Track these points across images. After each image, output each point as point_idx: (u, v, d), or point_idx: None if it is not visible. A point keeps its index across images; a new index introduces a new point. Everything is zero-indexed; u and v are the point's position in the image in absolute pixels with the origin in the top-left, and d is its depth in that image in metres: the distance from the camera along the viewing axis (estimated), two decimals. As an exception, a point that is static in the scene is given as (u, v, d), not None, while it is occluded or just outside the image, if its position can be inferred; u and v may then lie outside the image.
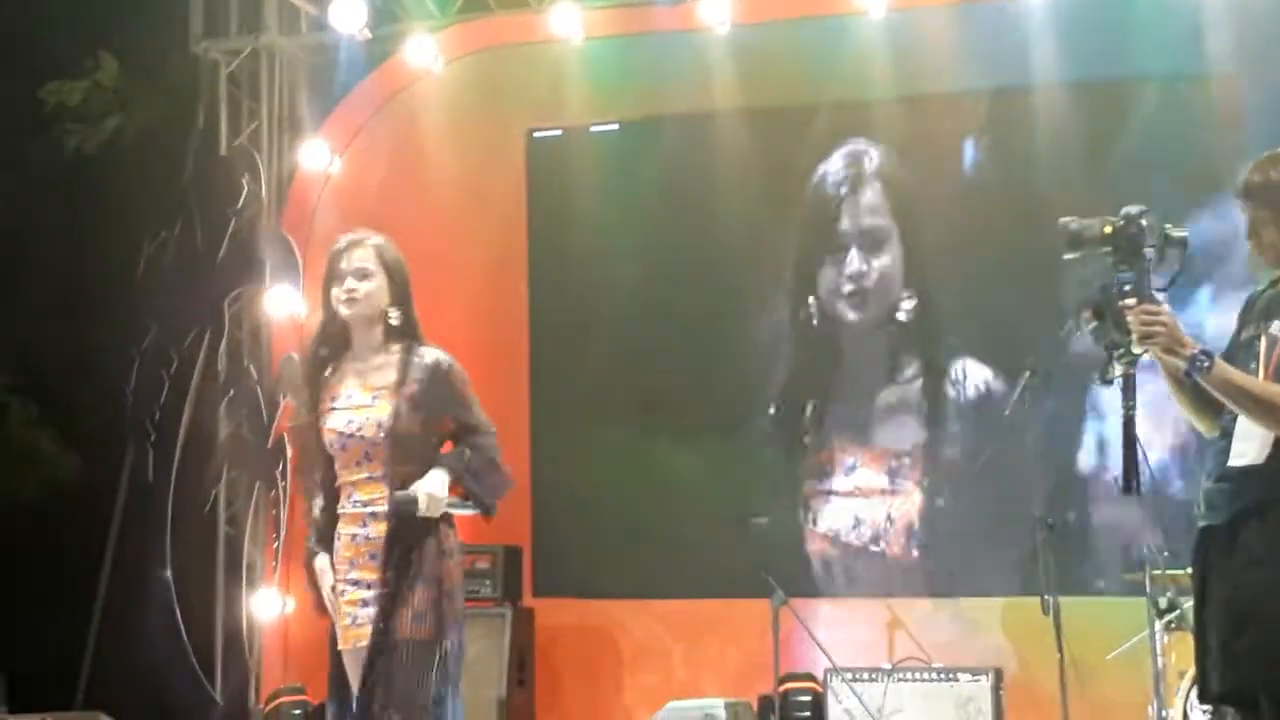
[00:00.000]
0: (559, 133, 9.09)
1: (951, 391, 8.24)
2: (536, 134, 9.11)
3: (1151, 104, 8.02)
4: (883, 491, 8.34)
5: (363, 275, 4.52)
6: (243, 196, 9.19)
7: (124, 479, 8.99)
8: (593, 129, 9.05)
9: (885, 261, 8.44)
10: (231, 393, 9.00)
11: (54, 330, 9.40)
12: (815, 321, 8.52)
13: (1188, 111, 8.00)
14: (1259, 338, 3.89)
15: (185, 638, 8.57)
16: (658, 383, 8.67)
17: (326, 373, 4.59)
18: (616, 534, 8.58)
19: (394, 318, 4.55)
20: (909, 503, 8.29)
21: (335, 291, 4.53)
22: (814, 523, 8.45)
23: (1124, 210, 3.84)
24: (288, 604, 8.56)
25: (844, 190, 8.54)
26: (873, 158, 8.54)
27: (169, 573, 8.59)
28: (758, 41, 8.70)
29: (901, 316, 8.32)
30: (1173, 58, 7.97)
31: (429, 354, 4.53)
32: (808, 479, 8.50)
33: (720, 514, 8.19)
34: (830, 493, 8.46)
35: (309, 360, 4.63)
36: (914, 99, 8.50)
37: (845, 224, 8.52)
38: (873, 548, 8.30)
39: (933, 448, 8.32)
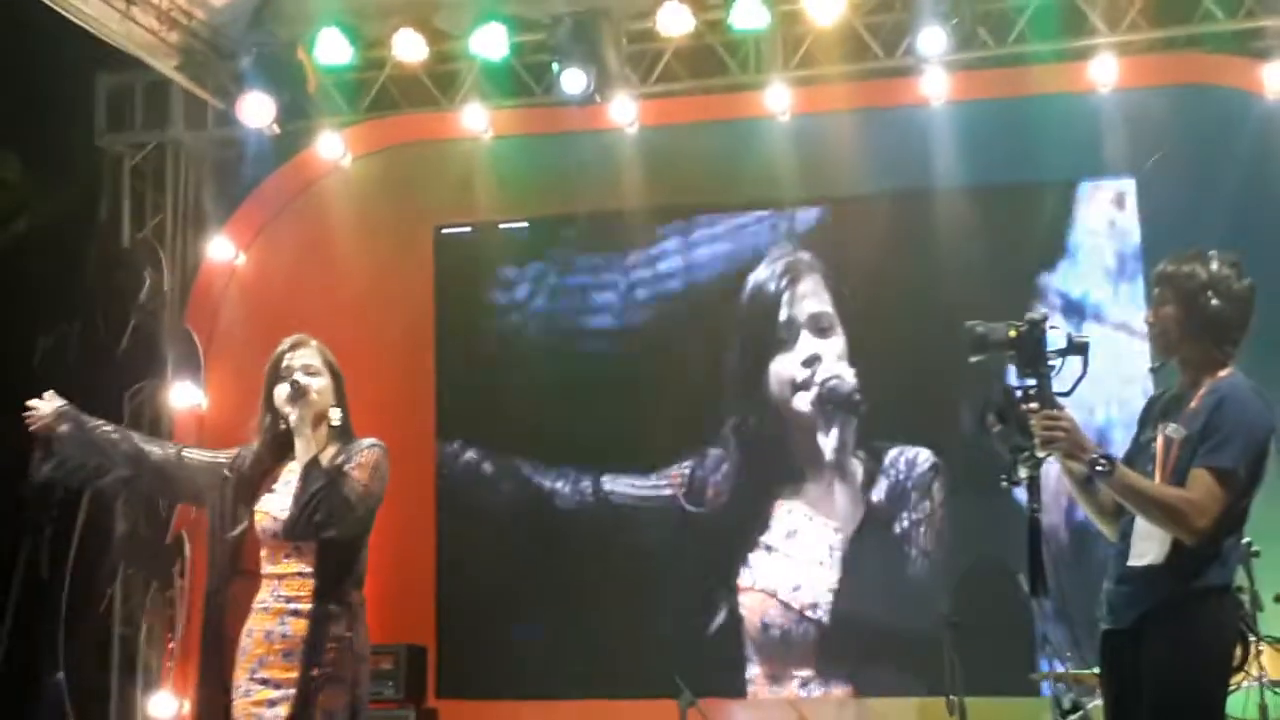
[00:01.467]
0: (468, 229, 9.10)
1: (897, 472, 8.28)
2: (444, 230, 9.12)
3: (1050, 207, 8.23)
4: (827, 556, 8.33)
5: (311, 372, 4.51)
6: (145, 290, 9.09)
7: (17, 576, 8.76)
8: (501, 226, 9.08)
9: (834, 344, 8.49)
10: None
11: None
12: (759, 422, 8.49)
13: (1085, 214, 8.21)
14: (1155, 439, 3.99)
15: (77, 742, 8.34)
16: (567, 477, 8.63)
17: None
18: (522, 633, 8.49)
19: (335, 418, 4.53)
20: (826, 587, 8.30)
21: (279, 389, 4.49)
22: (752, 583, 8.39)
23: (1028, 315, 3.92)
24: (184, 705, 8.36)
25: (783, 285, 8.60)
26: (803, 257, 8.62)
27: (61, 674, 8.36)
28: (666, 142, 8.80)
29: (854, 397, 8.31)
30: (1071, 162, 8.19)
31: (363, 443, 4.52)
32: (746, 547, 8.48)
33: (626, 614, 8.15)
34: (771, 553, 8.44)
35: (251, 464, 4.56)
36: (822, 201, 8.63)
37: (787, 314, 8.55)
38: (808, 614, 8.26)
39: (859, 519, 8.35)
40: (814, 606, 8.27)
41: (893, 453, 8.23)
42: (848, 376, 8.34)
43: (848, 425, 8.31)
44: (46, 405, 4.62)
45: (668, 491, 8.50)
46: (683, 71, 8.69)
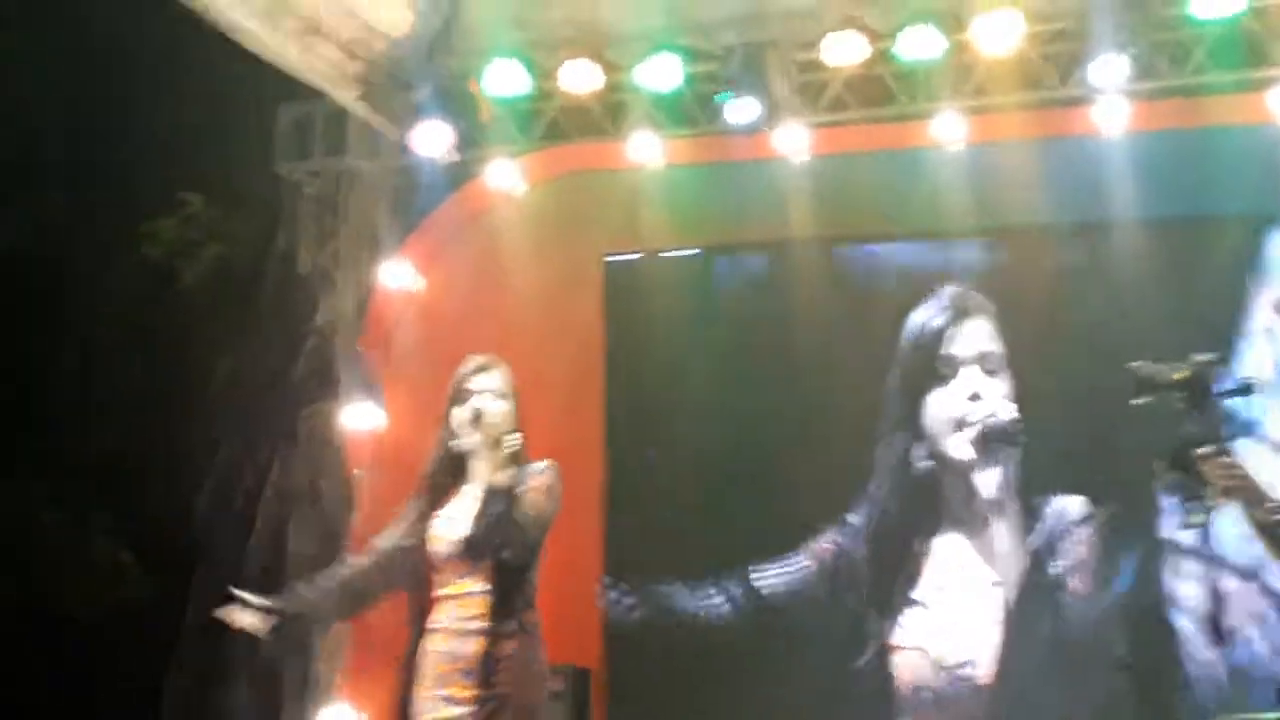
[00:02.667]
0: (636, 257, 9.18)
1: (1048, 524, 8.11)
2: (612, 258, 9.20)
3: (1232, 244, 8.06)
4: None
5: (498, 395, 4.60)
6: (320, 314, 9.30)
7: (196, 594, 9.00)
8: (669, 254, 9.14)
9: (1001, 386, 8.32)
10: (302, 510, 9.03)
11: (134, 445, 9.51)
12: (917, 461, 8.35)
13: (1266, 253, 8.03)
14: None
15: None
16: (735, 514, 8.60)
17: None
18: (692, 665, 8.48)
19: (512, 443, 4.62)
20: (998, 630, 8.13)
21: (458, 411, 4.58)
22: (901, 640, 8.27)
23: (1193, 357, 3.83)
24: (361, 718, 8.51)
25: (947, 321, 8.47)
26: (973, 295, 8.49)
27: (241, 688, 8.55)
28: (834, 172, 8.78)
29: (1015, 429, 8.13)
30: (1254, 197, 8.00)
31: (537, 466, 4.59)
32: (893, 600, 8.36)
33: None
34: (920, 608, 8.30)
35: (423, 485, 4.66)
36: (992, 232, 8.55)
37: (952, 350, 8.37)
38: (960, 674, 8.11)
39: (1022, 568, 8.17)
40: (970, 664, 8.08)
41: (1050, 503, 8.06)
42: (1007, 412, 8.15)
43: (1009, 462, 8.11)
44: (249, 614, 4.62)
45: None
46: (852, 101, 8.68)
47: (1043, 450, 8.18)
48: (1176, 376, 3.83)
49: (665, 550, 8.70)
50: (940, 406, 8.27)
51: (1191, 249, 8.14)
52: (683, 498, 8.74)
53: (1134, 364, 3.94)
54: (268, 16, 8.05)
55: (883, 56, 8.48)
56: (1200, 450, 3.73)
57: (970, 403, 8.22)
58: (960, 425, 8.20)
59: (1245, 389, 3.80)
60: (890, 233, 8.71)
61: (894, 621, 8.18)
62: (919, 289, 8.51)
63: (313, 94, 8.98)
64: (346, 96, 8.91)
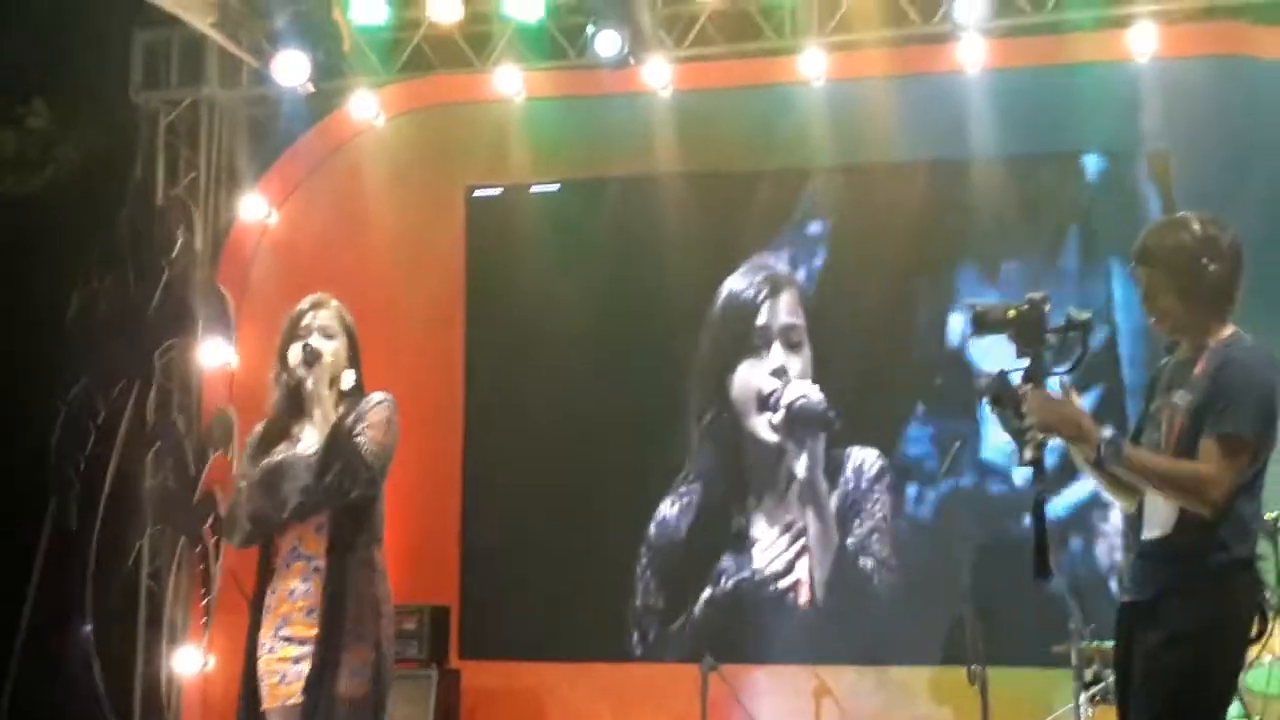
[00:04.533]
0: (499, 191, 9.09)
1: (845, 480, 8.28)
2: (477, 192, 9.11)
3: (1083, 178, 8.16)
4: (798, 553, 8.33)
5: (327, 334, 4.52)
6: (177, 248, 9.11)
7: (46, 529, 8.83)
8: (533, 188, 9.07)
9: (802, 360, 8.44)
10: (158, 444, 8.89)
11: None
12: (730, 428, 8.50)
13: (1120, 187, 8.14)
14: (1162, 409, 3.92)
15: (102, 693, 8.40)
16: (592, 443, 8.63)
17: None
18: (545, 595, 8.51)
19: (348, 381, 4.54)
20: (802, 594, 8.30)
21: (294, 349, 4.50)
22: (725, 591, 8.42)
23: (1027, 295, 3.85)
24: (209, 661, 8.43)
25: (761, 294, 8.55)
26: (781, 270, 8.60)
27: (89, 626, 8.44)
28: (700, 106, 8.76)
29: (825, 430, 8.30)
30: (1107, 133, 8.11)
31: (371, 399, 4.52)
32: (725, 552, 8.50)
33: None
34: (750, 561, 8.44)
35: (268, 425, 4.57)
36: (852, 169, 8.58)
37: (766, 321, 8.53)
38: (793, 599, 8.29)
39: (832, 539, 8.34)
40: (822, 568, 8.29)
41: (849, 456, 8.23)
42: (815, 395, 8.32)
43: (817, 443, 8.30)
44: None
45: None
46: (717, 36, 8.63)
47: (847, 400, 8.41)
48: (1009, 314, 3.83)
49: (522, 483, 8.70)
50: (748, 379, 8.51)
51: (1043, 184, 8.24)
52: (540, 431, 8.70)
53: (968, 301, 3.95)
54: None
55: (750, -10, 8.45)
56: (1021, 387, 3.75)
57: (775, 379, 8.45)
58: (765, 403, 8.45)
59: (1078, 325, 3.80)
60: (754, 169, 8.67)
61: (714, 584, 8.41)
62: (777, 226, 8.71)
63: (169, 20, 8.74)
64: (203, 23, 8.69)
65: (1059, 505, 7.52)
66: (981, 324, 3.89)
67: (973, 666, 6.65)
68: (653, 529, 8.49)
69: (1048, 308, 3.82)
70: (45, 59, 8.77)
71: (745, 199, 8.70)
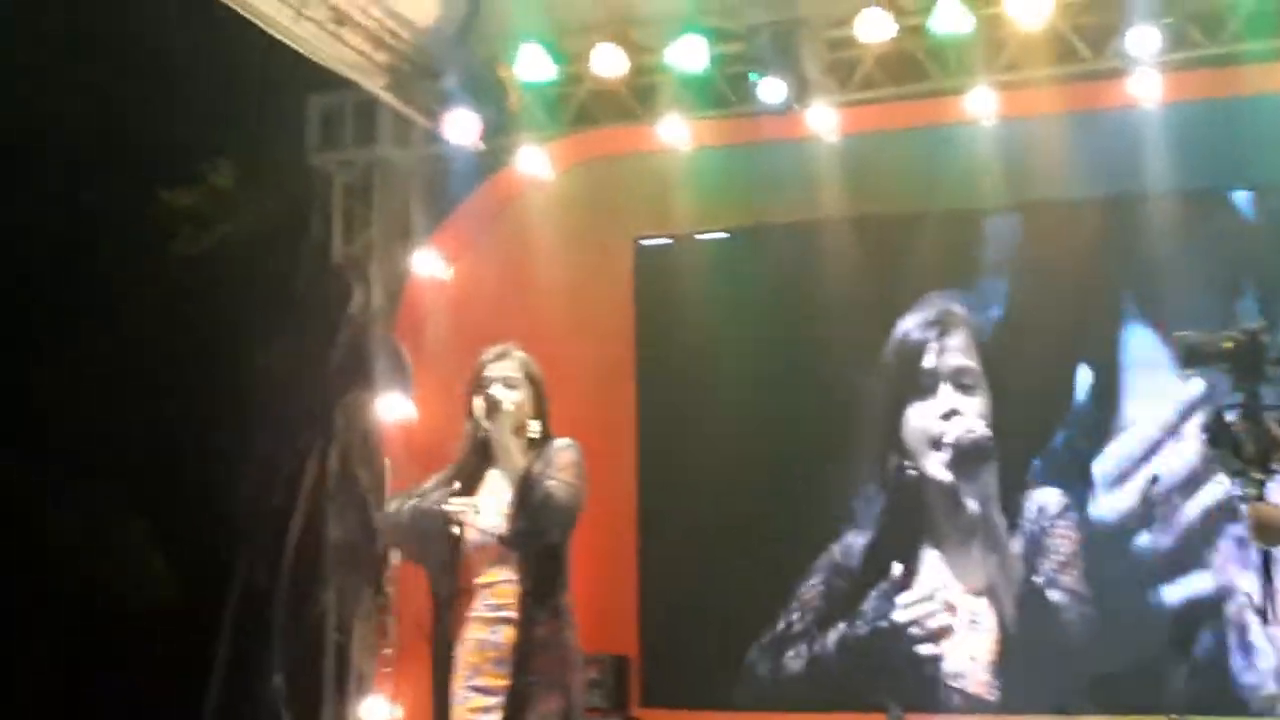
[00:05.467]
0: (667, 241, 9.14)
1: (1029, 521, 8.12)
2: (644, 242, 9.17)
3: (1265, 213, 7.96)
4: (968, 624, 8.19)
5: (509, 385, 4.58)
6: (354, 304, 9.30)
7: (235, 584, 9.03)
8: (700, 237, 9.10)
9: (977, 402, 8.31)
10: (341, 498, 9.05)
11: (166, 435, 9.52)
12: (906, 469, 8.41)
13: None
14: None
15: (294, 746, 8.56)
16: (765, 488, 8.60)
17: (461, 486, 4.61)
18: (725, 643, 8.48)
19: (534, 430, 4.59)
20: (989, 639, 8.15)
21: (478, 400, 4.57)
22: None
23: (1243, 325, 3.73)
24: (396, 711, 8.53)
25: (929, 335, 8.45)
26: (954, 309, 8.49)
27: (279, 678, 8.59)
28: (866, 150, 8.72)
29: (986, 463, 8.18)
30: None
31: (556, 444, 4.57)
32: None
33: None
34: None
35: (456, 469, 4.64)
36: (1025, 207, 8.47)
37: (933, 364, 8.44)
38: (952, 684, 8.15)
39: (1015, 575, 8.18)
40: (957, 676, 8.13)
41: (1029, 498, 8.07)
42: (980, 430, 8.19)
43: (989, 476, 8.16)
44: None
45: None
46: (883, 78, 8.59)
47: (1028, 441, 8.25)
48: (1226, 345, 3.72)
49: (697, 528, 8.70)
50: (919, 421, 8.40)
51: (1228, 219, 8.03)
52: (714, 479, 8.70)
53: (1179, 333, 3.83)
54: (296, 6, 8.03)
55: (914, 32, 8.37)
56: (1231, 418, 3.64)
57: (945, 421, 8.34)
58: (936, 444, 8.35)
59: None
60: (922, 211, 8.61)
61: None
62: (950, 269, 8.62)
63: (342, 84, 8.96)
64: (375, 86, 8.89)
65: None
66: (1193, 356, 3.79)
67: (1172, 716, 6.48)
68: (821, 575, 8.40)
69: (1266, 338, 3.71)
70: (225, 120, 9.04)
71: (913, 242, 8.63)
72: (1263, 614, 3.60)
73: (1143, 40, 7.88)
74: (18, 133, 9.65)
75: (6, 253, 9.86)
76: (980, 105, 8.36)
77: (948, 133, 8.58)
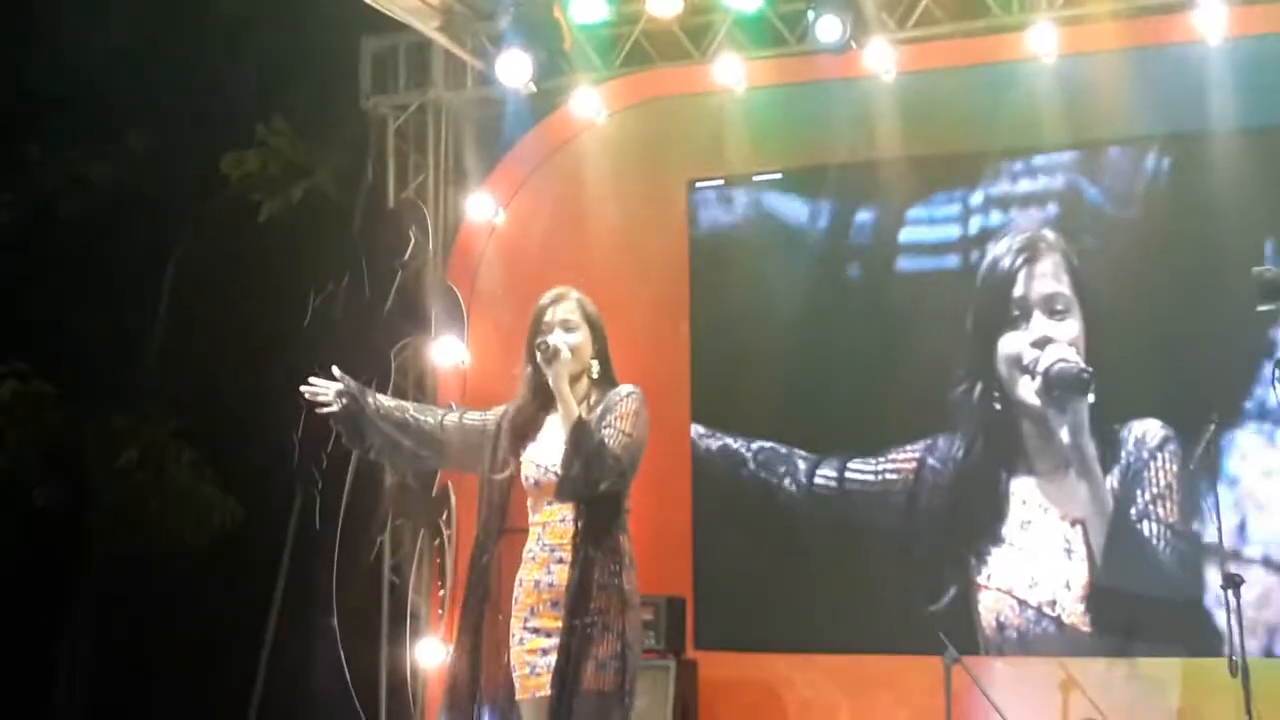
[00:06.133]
0: (721, 182, 9.07)
1: (1128, 453, 7.99)
2: (698, 184, 9.11)
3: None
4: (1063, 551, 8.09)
5: (569, 328, 4.54)
6: (410, 248, 9.30)
7: (291, 526, 9.11)
8: (755, 178, 9.02)
9: (1070, 327, 8.18)
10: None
11: (223, 379, 9.59)
12: (995, 399, 8.30)
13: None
14: None
15: (350, 685, 8.62)
16: (821, 430, 8.55)
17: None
18: (781, 585, 8.46)
19: (595, 371, 4.56)
20: (1082, 568, 8.04)
21: (539, 345, 4.53)
22: (987, 579, 8.24)
23: None
24: (451, 653, 8.56)
25: (1017, 262, 8.32)
26: (1043, 235, 8.34)
27: (334, 620, 8.66)
28: (923, 89, 8.58)
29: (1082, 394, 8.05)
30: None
31: (620, 391, 4.53)
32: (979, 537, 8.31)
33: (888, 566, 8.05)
34: (1006, 546, 8.24)
35: (514, 414, 4.61)
36: (1085, 145, 8.34)
37: (1022, 292, 8.32)
38: (1047, 611, 8.07)
39: (1106, 506, 8.06)
40: (1052, 604, 8.03)
41: (1128, 430, 7.94)
42: (1073, 360, 8.06)
43: (1081, 405, 8.03)
44: (326, 384, 4.62)
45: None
46: (942, 15, 8.46)
47: (1125, 371, 8.12)
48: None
49: (752, 471, 8.66)
50: (1010, 350, 8.29)
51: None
52: (769, 421, 8.65)
53: (1258, 269, 3.75)
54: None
55: (974, -33, 8.26)
56: None
57: (1036, 349, 8.21)
58: (1028, 371, 8.23)
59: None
60: (981, 149, 8.48)
61: (980, 561, 8.24)
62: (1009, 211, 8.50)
63: (395, 27, 8.92)
64: (428, 27, 8.85)
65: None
66: (1273, 291, 3.73)
67: (1234, 658, 6.41)
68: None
69: None
70: (280, 75, 9.04)
71: (973, 181, 8.52)
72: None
73: (1208, -28, 7.72)
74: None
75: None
76: (1041, 42, 8.22)
77: (1007, 70, 8.43)
